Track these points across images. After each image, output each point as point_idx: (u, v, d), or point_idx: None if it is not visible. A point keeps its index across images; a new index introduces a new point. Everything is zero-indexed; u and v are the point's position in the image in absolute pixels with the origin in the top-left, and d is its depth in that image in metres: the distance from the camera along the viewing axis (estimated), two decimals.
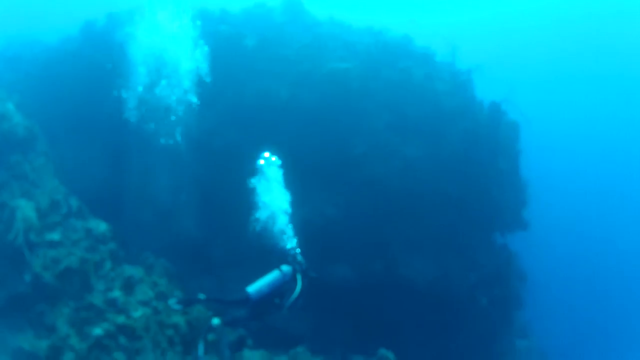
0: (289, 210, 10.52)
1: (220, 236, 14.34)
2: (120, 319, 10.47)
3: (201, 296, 9.01)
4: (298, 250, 10.18)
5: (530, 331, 21.31)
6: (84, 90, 14.81)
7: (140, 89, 12.63)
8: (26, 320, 10.23)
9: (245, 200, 10.48)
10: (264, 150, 10.62)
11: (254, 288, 9.12)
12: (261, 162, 10.53)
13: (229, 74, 14.39)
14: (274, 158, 10.57)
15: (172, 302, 9.17)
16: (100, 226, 11.85)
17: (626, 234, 42.25)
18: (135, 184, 14.08)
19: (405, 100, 14.58)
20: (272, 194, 10.59)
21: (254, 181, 10.61)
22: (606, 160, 48.43)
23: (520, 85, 20.95)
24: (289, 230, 10.40)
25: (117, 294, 10.99)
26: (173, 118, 12.81)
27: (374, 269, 14.35)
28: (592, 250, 40.61)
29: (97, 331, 10.16)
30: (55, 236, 11.12)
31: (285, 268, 9.61)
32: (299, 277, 9.63)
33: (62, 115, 14.72)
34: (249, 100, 14.81)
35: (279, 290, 9.38)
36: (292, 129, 14.31)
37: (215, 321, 8.88)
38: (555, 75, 50.49)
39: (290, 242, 10.30)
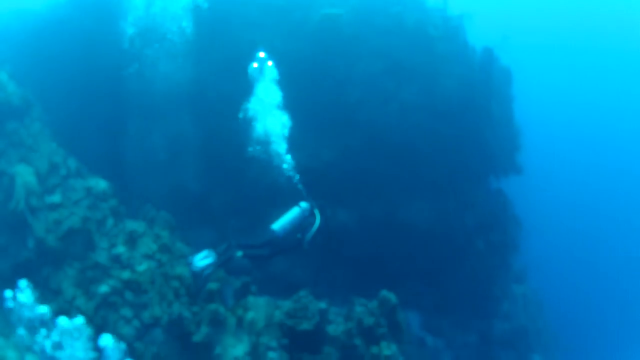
0: (286, 133, 10.78)
1: (219, 186, 14.50)
2: (126, 274, 10.80)
3: (239, 253, 9.38)
4: (297, 177, 10.58)
5: (527, 277, 21.82)
6: (76, 53, 14.76)
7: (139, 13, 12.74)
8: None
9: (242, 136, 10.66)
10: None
11: (278, 225, 9.66)
12: (254, 65, 10.71)
13: (223, 24, 14.39)
14: (270, 62, 10.73)
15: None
16: (100, 184, 11.88)
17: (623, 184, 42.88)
18: (132, 139, 14.20)
19: (398, 45, 14.67)
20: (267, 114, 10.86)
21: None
22: (603, 109, 48.79)
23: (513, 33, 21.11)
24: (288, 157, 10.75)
25: (121, 249, 11.23)
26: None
27: (372, 213, 14.67)
28: (589, 203, 41.18)
29: (104, 288, 10.45)
30: (55, 198, 11.16)
31: (304, 204, 10.13)
32: (316, 212, 10.12)
33: (56, 80, 14.68)
34: (243, 50, 14.80)
35: (300, 226, 9.88)
36: (286, 77, 14.33)
37: (239, 254, 9.39)
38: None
39: (289, 166, 10.68)
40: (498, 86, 16.15)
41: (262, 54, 10.79)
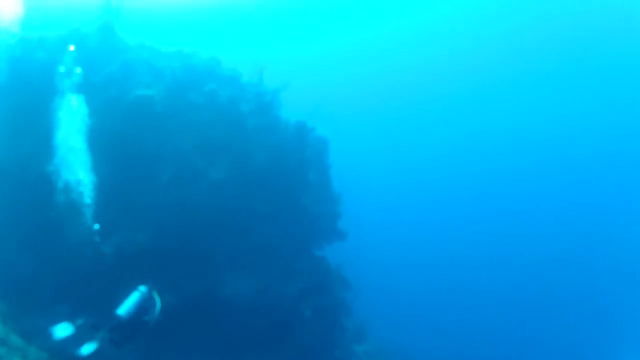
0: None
1: (48, 266, 14.22)
2: None
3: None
4: (97, 227, 11.01)
5: (368, 335, 22.79)
6: None
7: None
8: None
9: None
10: None
11: (123, 310, 10.49)
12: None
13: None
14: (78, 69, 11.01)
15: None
16: None
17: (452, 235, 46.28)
18: None
19: (210, 122, 15.22)
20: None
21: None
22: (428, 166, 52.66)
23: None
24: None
25: None
26: None
27: (194, 292, 14.84)
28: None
29: None
30: None
31: (143, 288, 11.04)
32: (155, 294, 11.08)
33: None
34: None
35: (143, 308, 10.82)
36: (100, 156, 14.43)
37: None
38: None
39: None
40: (314, 156, 17.09)
41: (72, 47, 11.10)
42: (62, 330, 10.02)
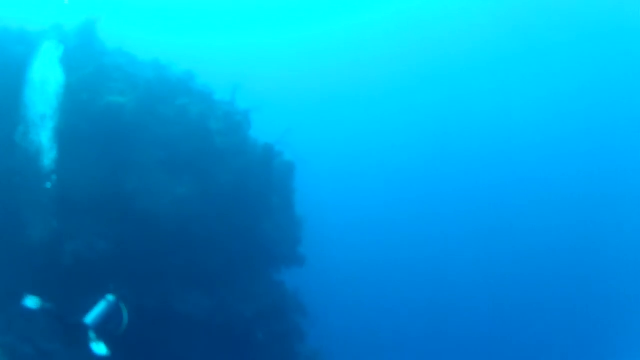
0: None
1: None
2: None
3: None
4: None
5: None
6: None
7: None
8: None
9: None
10: None
11: (90, 319, 11.20)
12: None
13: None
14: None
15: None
16: None
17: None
18: None
19: (178, 137, 15.50)
20: None
21: None
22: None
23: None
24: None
25: None
26: None
27: (148, 304, 15.01)
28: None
29: None
30: None
31: (110, 297, 11.83)
32: (122, 305, 11.67)
33: None
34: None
35: (109, 317, 11.60)
36: (67, 157, 14.62)
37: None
38: None
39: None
40: (279, 179, 17.47)
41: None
42: (32, 302, 10.43)
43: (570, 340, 41.42)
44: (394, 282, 45.03)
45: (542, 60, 52.17)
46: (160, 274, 15.19)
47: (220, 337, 16.11)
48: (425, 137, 55.35)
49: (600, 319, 43.60)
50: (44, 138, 13.37)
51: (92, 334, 11.09)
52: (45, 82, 13.90)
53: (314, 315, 20.09)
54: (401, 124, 55.87)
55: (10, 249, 13.87)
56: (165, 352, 15.28)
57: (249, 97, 18.26)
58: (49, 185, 13.00)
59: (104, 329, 11.64)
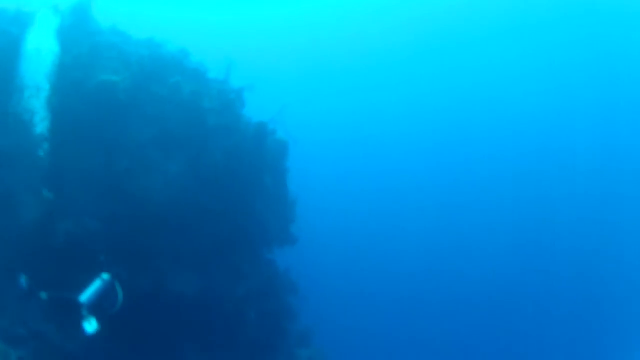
0: None
1: None
2: None
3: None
4: None
5: (312, 340, 23.35)
6: None
7: None
8: None
9: None
10: None
11: (85, 297, 11.46)
12: None
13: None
14: None
15: None
16: None
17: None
18: None
19: (171, 115, 15.57)
20: None
21: None
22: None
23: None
24: None
25: None
26: None
27: (140, 283, 15.13)
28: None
29: None
30: None
31: (105, 276, 12.14)
32: (117, 284, 12.24)
33: None
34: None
35: (106, 296, 11.92)
36: (59, 135, 14.68)
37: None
38: None
39: None
40: (272, 158, 17.56)
41: None
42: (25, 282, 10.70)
43: (570, 340, 41.67)
44: (386, 261, 45.34)
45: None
46: (152, 252, 15.28)
47: (211, 317, 16.24)
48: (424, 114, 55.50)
49: (600, 319, 43.94)
50: (37, 106, 13.50)
51: (84, 311, 11.28)
52: (40, 52, 13.98)
53: (304, 294, 20.32)
54: (401, 99, 55.89)
55: (2, 230, 13.99)
56: (156, 331, 15.39)
57: (243, 75, 18.29)
58: (41, 153, 13.12)
59: (98, 307, 11.85)
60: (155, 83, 16.32)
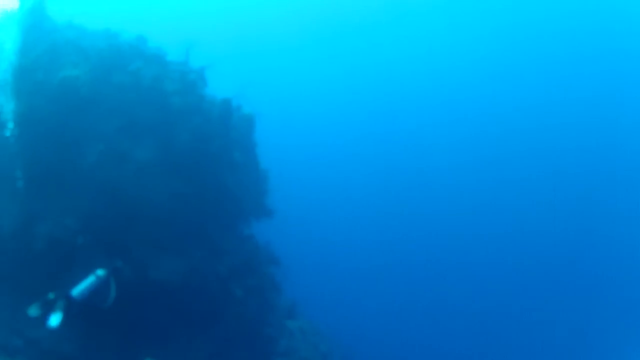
0: None
1: None
2: None
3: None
4: None
5: (300, 312, 23.92)
6: None
7: None
8: None
9: None
10: None
11: (77, 291, 12.02)
12: None
13: None
14: None
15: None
16: None
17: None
18: None
19: (134, 102, 15.78)
20: None
21: None
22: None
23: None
24: None
25: None
26: None
27: (123, 275, 15.43)
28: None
29: None
30: None
31: (100, 272, 12.76)
32: (112, 280, 12.93)
33: None
34: None
35: (99, 291, 12.56)
36: (29, 141, 14.85)
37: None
38: None
39: None
40: (239, 134, 17.85)
41: None
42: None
43: (570, 340, 42.19)
44: (366, 232, 45.69)
45: None
46: (131, 243, 15.53)
47: (199, 299, 16.59)
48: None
49: (600, 319, 44.53)
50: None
51: (60, 303, 11.57)
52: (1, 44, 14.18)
53: (287, 266, 20.72)
54: (371, 72, 55.79)
55: None
56: (146, 320, 15.72)
57: (204, 55, 18.47)
58: (7, 133, 13.39)
59: (89, 302, 12.28)
60: (116, 72, 16.43)
